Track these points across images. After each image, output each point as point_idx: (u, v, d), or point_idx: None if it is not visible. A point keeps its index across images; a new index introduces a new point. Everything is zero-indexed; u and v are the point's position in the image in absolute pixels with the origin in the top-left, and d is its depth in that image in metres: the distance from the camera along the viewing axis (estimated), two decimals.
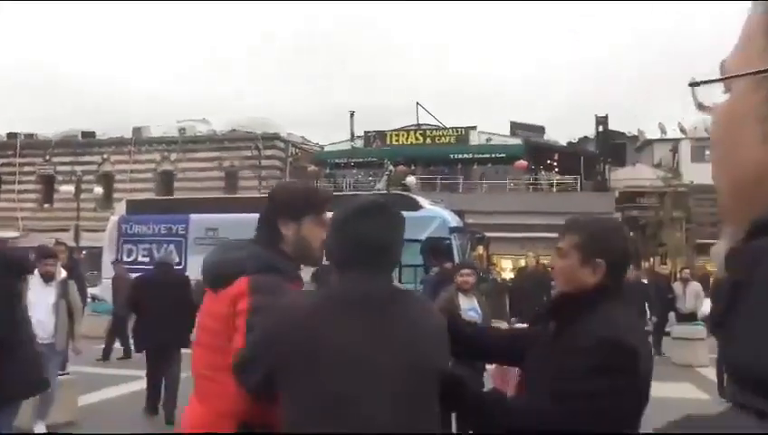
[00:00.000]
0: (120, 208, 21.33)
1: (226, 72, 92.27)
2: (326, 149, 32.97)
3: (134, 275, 16.25)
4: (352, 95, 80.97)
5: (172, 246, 18.66)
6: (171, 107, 72.96)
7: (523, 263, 18.90)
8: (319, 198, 2.11)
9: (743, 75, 0.45)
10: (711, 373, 9.27)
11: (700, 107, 0.55)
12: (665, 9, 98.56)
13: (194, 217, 19.25)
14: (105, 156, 33.87)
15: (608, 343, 1.62)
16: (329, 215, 1.94)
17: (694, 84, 0.54)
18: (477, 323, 4.14)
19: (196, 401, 1.96)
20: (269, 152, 31.86)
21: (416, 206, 17.81)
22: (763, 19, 0.46)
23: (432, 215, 17.64)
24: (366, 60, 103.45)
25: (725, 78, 0.47)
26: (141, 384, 7.59)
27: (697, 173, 25.14)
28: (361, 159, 30.52)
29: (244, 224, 16.56)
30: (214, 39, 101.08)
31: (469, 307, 5.19)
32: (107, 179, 33.30)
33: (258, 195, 25.85)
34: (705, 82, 0.51)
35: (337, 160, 31.17)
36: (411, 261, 14.92)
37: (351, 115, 33.33)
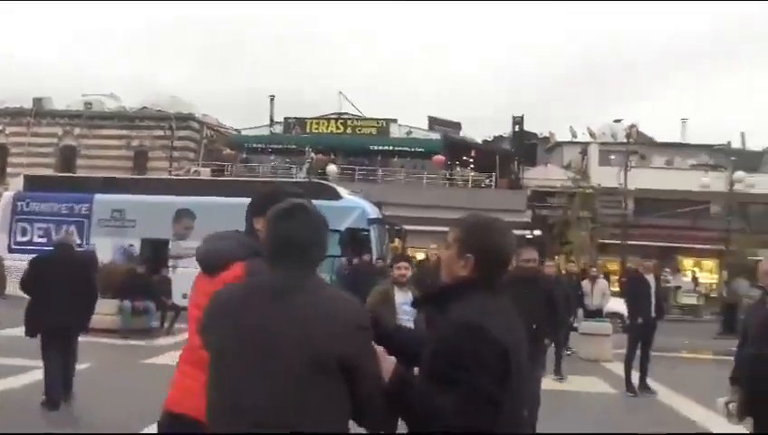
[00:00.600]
0: (16, 184, 19.84)
1: (139, 49, 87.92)
2: (243, 133, 32.07)
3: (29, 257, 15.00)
4: (272, 80, 79.30)
5: (73, 227, 17.53)
6: (77, 81, 68.61)
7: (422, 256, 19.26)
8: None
9: None
10: (616, 368, 9.67)
11: None
12: (581, 15, 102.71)
13: (99, 197, 18.14)
14: (0, 127, 31.50)
15: (466, 327, 1.77)
16: None
17: None
18: (402, 325, 4.20)
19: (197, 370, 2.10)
20: (182, 133, 30.66)
21: (336, 195, 17.63)
22: None
23: (352, 205, 17.53)
24: (288, 45, 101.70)
25: None
26: (35, 375, 6.97)
27: (603, 176, 26.41)
28: (280, 146, 29.91)
29: (154, 206, 15.77)
30: (126, 13, 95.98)
31: (404, 301, 5.07)
32: (1, 152, 30.96)
33: (170, 177, 24.81)
34: None
35: (254, 145, 30.40)
36: (328, 251, 14.77)
37: (271, 100, 32.66)
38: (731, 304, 17.98)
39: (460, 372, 1.70)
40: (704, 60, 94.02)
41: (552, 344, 7.65)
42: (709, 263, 27.70)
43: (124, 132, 30.95)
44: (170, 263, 15.02)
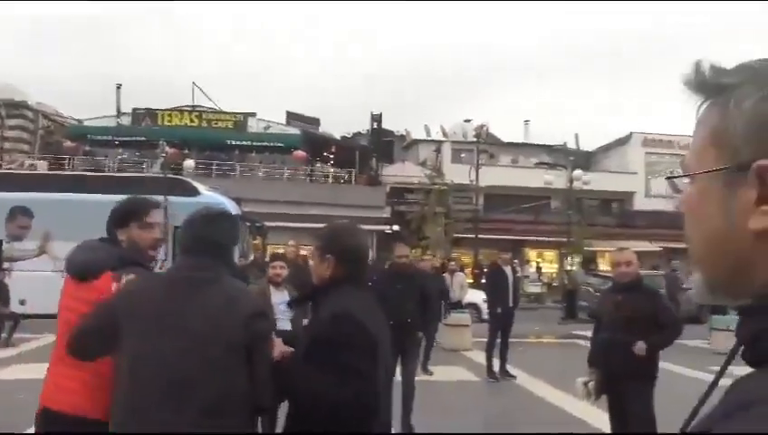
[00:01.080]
0: None
1: None
2: (86, 123, 29.61)
3: None
4: (122, 69, 74.09)
5: None
6: None
7: (281, 251, 18.95)
8: (138, 208, 2.64)
9: (706, 172, 0.66)
10: (477, 356, 10.21)
11: (675, 190, 0.80)
12: (441, 18, 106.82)
13: None
14: None
15: (336, 316, 2.12)
16: (154, 214, 2.66)
17: (670, 178, 0.84)
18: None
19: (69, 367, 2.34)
20: (13, 122, 27.74)
21: (194, 191, 16.86)
22: (712, 130, 0.66)
23: (211, 202, 16.82)
24: (141, 31, 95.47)
25: (693, 174, 0.69)
26: None
27: (456, 173, 27.70)
28: (128, 138, 28.02)
29: None
30: None
31: (281, 301, 4.97)
32: None
33: (0, 170, 22.32)
34: (678, 177, 0.74)
35: (99, 137, 28.20)
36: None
37: (118, 88, 30.48)
38: (571, 292, 19.70)
39: (334, 354, 2.01)
40: (542, 69, 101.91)
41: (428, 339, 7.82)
42: (551, 254, 30.11)
43: None
44: (5, 266, 13.53)
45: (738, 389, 0.61)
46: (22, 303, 12.05)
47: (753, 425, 0.54)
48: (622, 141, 32.94)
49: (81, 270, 2.50)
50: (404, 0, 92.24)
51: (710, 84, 0.68)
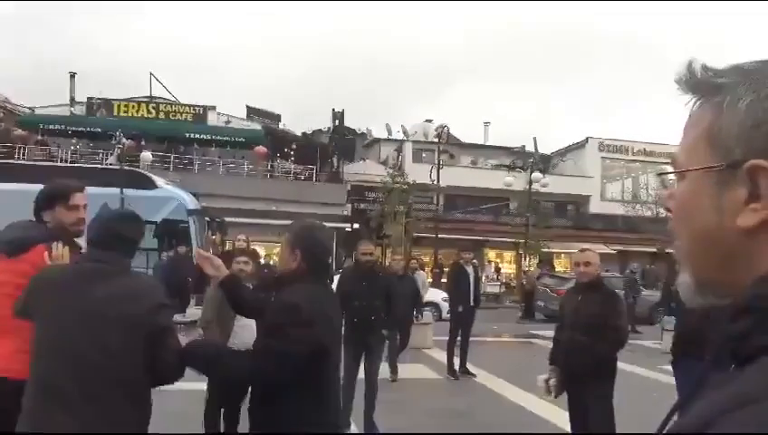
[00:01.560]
0: None
1: None
2: (37, 112, 28.62)
3: None
4: (76, 57, 71.91)
5: None
6: None
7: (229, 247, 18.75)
8: (63, 191, 2.93)
9: (696, 169, 0.68)
10: (437, 354, 10.28)
11: (664, 186, 0.85)
12: (392, 23, 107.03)
13: None
14: None
15: (287, 305, 2.44)
16: (78, 197, 2.93)
17: (662, 174, 1.22)
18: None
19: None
20: None
21: (151, 184, 16.56)
22: (706, 129, 0.68)
23: (169, 195, 16.56)
24: (94, 18, 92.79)
25: (684, 171, 0.70)
26: None
27: (417, 173, 27.82)
28: (82, 129, 27.21)
29: None
30: None
31: None
32: None
33: None
34: (669, 173, 0.75)
35: (51, 126, 27.28)
36: (144, 244, 13.82)
37: (72, 77, 29.59)
38: (529, 292, 20.01)
39: (279, 336, 2.35)
40: (501, 72, 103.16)
41: (390, 338, 7.72)
42: (509, 254, 30.54)
43: None
44: None
45: (730, 386, 0.59)
46: None
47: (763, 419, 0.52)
48: (579, 146, 33.63)
49: (15, 244, 2.80)
50: None
51: (704, 84, 0.70)
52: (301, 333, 2.34)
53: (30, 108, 29.47)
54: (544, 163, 32.84)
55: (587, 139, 33.14)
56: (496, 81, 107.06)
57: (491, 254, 30.22)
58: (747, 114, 0.65)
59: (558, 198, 30.17)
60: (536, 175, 24.37)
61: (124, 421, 2.25)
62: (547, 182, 24.36)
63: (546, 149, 35.14)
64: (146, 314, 2.28)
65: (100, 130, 26.00)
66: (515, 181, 24.90)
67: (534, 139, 32.91)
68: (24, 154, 25.11)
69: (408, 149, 31.52)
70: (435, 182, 25.23)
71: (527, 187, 24.63)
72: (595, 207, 31.60)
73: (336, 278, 6.98)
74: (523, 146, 34.34)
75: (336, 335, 2.69)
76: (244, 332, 4.57)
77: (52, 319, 2.27)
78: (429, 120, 33.88)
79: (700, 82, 0.70)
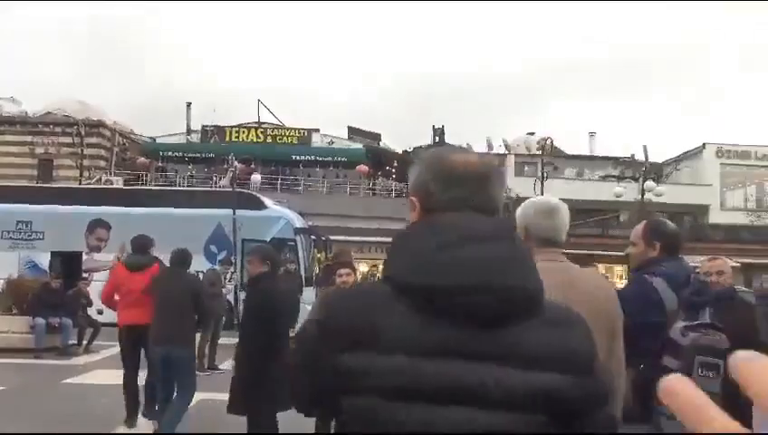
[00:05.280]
0: None
1: (40, 52, 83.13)
2: (158, 141, 30.86)
3: None
4: (190, 88, 77.04)
5: None
6: None
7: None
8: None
9: None
10: None
11: None
12: (495, 37, 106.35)
13: (2, 207, 16.84)
14: None
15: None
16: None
17: None
18: None
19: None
20: (92, 140, 29.09)
21: (260, 205, 17.25)
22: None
23: (277, 215, 17.18)
24: (201, 53, 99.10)
25: None
26: None
27: (520, 186, 27.29)
28: (198, 155, 29.00)
29: (64, 217, 15.24)
30: (28, 11, 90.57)
31: None
32: None
33: (81, 186, 23.47)
34: None
35: (170, 154, 29.30)
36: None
37: (188, 106, 31.63)
38: None
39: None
40: (607, 80, 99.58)
41: None
42: (620, 269, 29.17)
43: (27, 139, 29.06)
44: (85, 276, 14.15)
45: None
46: (100, 312, 12.55)
47: None
48: (695, 152, 31.72)
49: (137, 264, 6.27)
50: (465, 6, 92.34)
51: None
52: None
53: (151, 137, 31.81)
54: (656, 172, 31.23)
55: (704, 145, 31.21)
56: (600, 89, 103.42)
57: (600, 268, 28.98)
58: None
59: (673, 209, 28.49)
60: (649, 184, 23.18)
61: (192, 328, 5.74)
62: (662, 191, 23.10)
63: (657, 157, 33.45)
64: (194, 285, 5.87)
65: (213, 155, 27.60)
66: (625, 192, 23.81)
67: (644, 147, 31.36)
68: (146, 180, 27.10)
69: (510, 162, 31.05)
70: (539, 195, 24.60)
71: (639, 197, 23.47)
72: (715, 216, 29.60)
73: None
74: (633, 155, 32.84)
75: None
76: None
77: (160, 296, 5.61)
78: (531, 133, 33.23)
79: None
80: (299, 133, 29.88)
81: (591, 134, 37.32)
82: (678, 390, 0.38)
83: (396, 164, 31.14)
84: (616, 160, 32.64)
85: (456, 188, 1.14)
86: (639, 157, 31.28)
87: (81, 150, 27.17)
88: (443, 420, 0.96)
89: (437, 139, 30.76)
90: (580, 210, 28.37)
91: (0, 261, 15.56)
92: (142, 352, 5.99)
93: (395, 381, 0.98)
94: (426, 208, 1.16)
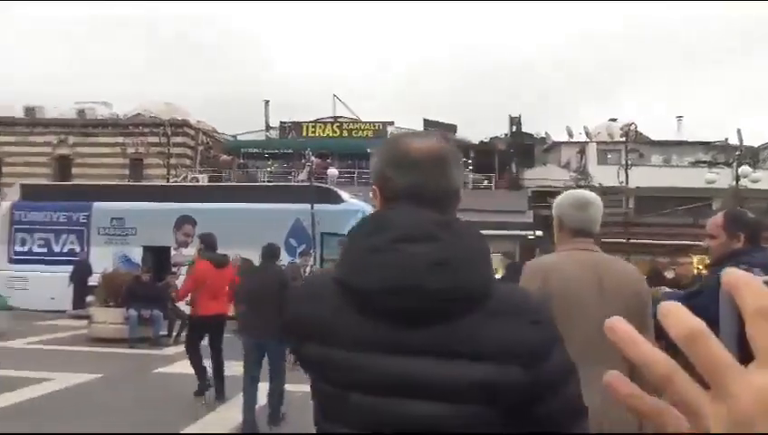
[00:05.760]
0: (13, 193, 19.47)
1: (127, 56, 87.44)
2: (239, 138, 31.81)
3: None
4: (266, 85, 79.09)
5: (73, 236, 17.22)
6: (66, 87, 68.08)
7: None
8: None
9: None
10: None
11: None
12: (569, 19, 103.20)
13: (97, 205, 17.82)
14: None
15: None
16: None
17: None
18: None
19: None
20: (178, 139, 30.31)
21: (338, 199, 17.43)
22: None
23: (354, 208, 17.28)
24: (277, 49, 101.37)
25: None
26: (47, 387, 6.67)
27: (602, 175, 26.34)
28: (276, 150, 29.68)
29: (154, 213, 15.91)
30: (118, 19, 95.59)
31: None
32: None
33: (169, 183, 24.53)
34: None
35: (251, 150, 30.15)
36: (333, 255, 14.57)
37: (266, 104, 32.41)
38: None
39: None
40: (695, 58, 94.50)
41: None
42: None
43: (119, 140, 30.64)
44: (174, 270, 14.75)
45: None
46: (188, 304, 13.05)
47: None
48: None
49: (220, 260, 7.28)
50: None
51: None
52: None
53: (232, 135, 32.82)
54: (752, 157, 29.33)
55: None
56: (686, 68, 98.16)
57: (693, 260, 27.56)
58: None
59: None
60: (745, 169, 21.78)
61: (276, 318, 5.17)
62: (758, 177, 21.66)
63: (752, 141, 31.42)
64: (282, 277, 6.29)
65: (291, 150, 28.15)
66: (718, 178, 22.48)
67: (738, 130, 29.48)
68: (228, 177, 28.00)
69: (593, 150, 29.99)
70: (623, 184, 23.68)
71: (733, 183, 22.11)
72: None
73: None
74: (726, 139, 31.00)
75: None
76: None
77: (249, 286, 6.35)
78: (614, 120, 31.95)
79: None
80: (374, 127, 30.01)
81: (679, 118, 35.51)
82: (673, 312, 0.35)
83: (473, 155, 30.73)
84: (707, 145, 30.91)
85: (411, 174, 1.15)
86: (733, 141, 29.47)
87: (168, 149, 28.37)
88: (390, 412, 1.03)
89: (515, 128, 30.11)
90: (669, 198, 27.08)
91: (97, 256, 16.49)
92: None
93: (339, 374, 1.07)
94: (385, 197, 1.18)
